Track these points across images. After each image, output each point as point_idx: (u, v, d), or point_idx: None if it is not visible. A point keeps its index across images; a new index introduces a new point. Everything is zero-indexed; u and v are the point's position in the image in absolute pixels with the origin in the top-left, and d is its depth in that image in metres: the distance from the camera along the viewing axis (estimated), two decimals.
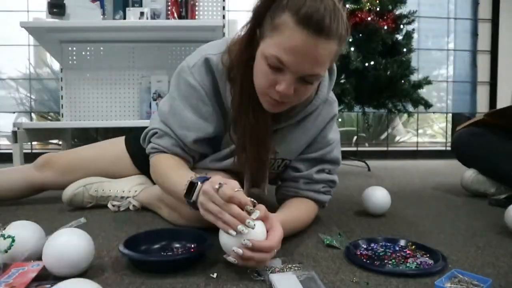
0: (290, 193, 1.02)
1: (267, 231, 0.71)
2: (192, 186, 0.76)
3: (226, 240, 0.69)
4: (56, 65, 2.81)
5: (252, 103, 0.85)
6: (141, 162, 1.21)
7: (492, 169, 1.44)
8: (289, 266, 0.73)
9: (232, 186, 0.69)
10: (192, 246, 0.82)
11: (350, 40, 1.94)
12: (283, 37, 0.73)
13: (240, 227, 0.66)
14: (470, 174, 1.48)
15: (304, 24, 0.71)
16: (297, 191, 1.01)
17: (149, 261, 0.74)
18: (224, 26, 2.03)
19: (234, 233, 0.67)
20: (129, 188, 1.22)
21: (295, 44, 0.72)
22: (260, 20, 0.79)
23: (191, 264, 0.74)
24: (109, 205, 1.20)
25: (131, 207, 1.20)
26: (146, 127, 1.02)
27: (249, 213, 0.69)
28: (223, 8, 2.26)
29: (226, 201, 0.68)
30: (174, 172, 0.89)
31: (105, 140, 1.35)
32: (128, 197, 1.21)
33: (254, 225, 0.67)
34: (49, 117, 3.09)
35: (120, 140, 1.29)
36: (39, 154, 1.31)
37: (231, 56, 0.87)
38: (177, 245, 0.83)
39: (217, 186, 0.69)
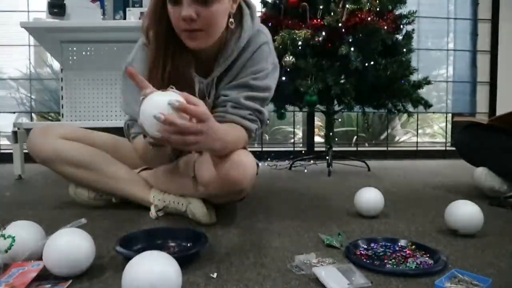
0: (217, 118, 0.99)
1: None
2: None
3: (147, 107, 0.71)
4: (56, 65, 2.82)
5: (172, 49, 0.97)
6: None
7: (503, 168, 1.43)
8: (324, 259, 0.74)
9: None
10: (188, 245, 0.82)
11: (350, 40, 1.94)
12: None
13: (143, 91, 0.76)
14: (481, 171, 1.46)
15: None
16: (224, 115, 1.01)
17: None
18: None
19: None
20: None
21: None
22: None
23: (186, 263, 0.74)
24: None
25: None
26: None
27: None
28: None
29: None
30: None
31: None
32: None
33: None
34: (50, 117, 3.09)
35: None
36: None
37: (146, 19, 0.98)
38: (173, 244, 0.83)
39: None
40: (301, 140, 3.44)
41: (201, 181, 1.02)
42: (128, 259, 0.72)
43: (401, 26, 2.17)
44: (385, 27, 1.97)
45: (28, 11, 2.77)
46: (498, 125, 1.48)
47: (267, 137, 3.47)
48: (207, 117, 0.76)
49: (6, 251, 0.69)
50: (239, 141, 0.99)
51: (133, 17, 2.06)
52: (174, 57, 0.98)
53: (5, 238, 0.70)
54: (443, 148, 3.31)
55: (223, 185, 0.96)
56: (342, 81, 2.00)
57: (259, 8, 2.49)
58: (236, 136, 0.98)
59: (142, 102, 0.73)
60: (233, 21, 0.98)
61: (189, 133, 0.74)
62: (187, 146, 0.77)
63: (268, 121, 1.09)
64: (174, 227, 0.99)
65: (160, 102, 0.70)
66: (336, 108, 2.29)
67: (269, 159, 2.72)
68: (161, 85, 0.84)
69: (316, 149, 3.06)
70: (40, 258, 0.68)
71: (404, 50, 2.12)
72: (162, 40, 0.96)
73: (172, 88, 0.75)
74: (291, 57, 1.95)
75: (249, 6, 1.04)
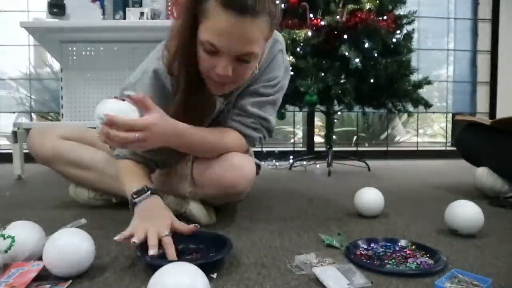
0: (220, 124, 1.03)
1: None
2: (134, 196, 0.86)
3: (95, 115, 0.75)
4: (56, 65, 2.82)
5: (197, 86, 0.90)
6: None
7: (504, 168, 1.42)
8: (324, 259, 0.74)
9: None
10: (211, 250, 0.79)
11: (350, 40, 1.94)
12: (211, 22, 0.77)
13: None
14: (482, 171, 1.46)
15: (228, 6, 0.74)
16: (226, 121, 1.01)
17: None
18: None
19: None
20: None
21: (222, 27, 0.76)
22: (193, 9, 0.81)
23: (212, 269, 0.71)
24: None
25: None
26: None
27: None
28: None
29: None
30: (129, 174, 0.95)
31: None
32: None
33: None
34: (49, 117, 3.09)
35: None
36: None
37: (171, 50, 0.89)
38: (195, 249, 0.80)
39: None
40: (301, 140, 3.44)
41: (197, 182, 1.01)
42: (148, 264, 0.72)
43: (401, 26, 2.17)
44: (385, 27, 1.97)
45: (28, 11, 2.77)
46: (500, 127, 1.47)
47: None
48: (143, 126, 0.76)
49: (6, 251, 0.69)
50: (226, 146, 0.98)
51: (133, 17, 2.06)
52: (198, 96, 0.93)
53: (5, 238, 0.70)
54: (443, 148, 3.31)
55: (219, 187, 0.97)
56: (342, 81, 2.00)
57: None
58: (223, 141, 0.98)
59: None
60: (258, 66, 0.94)
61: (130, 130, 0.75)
62: (131, 144, 0.77)
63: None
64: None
65: (97, 111, 0.75)
66: (336, 108, 2.29)
67: (269, 159, 2.72)
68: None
69: (316, 149, 3.06)
70: (40, 258, 0.68)
71: (404, 50, 2.12)
72: (193, 85, 0.90)
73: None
74: (291, 57, 1.95)
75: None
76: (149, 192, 0.86)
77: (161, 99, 0.93)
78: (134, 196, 0.86)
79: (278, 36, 1.03)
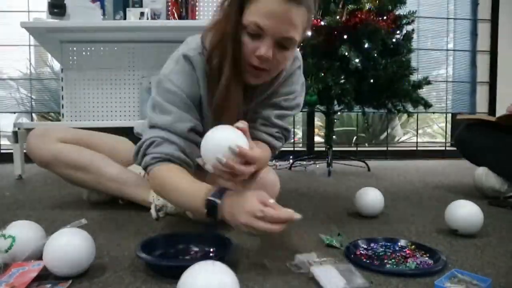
0: None
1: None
2: (211, 205, 0.77)
3: (210, 146, 0.75)
4: (56, 65, 2.82)
5: (238, 75, 0.90)
6: None
7: (505, 167, 1.42)
8: (324, 259, 0.74)
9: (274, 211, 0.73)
10: (211, 250, 0.80)
11: (350, 40, 1.94)
12: (260, 4, 0.82)
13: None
14: (482, 170, 1.46)
15: None
16: (253, 131, 1.01)
17: (171, 266, 0.71)
18: None
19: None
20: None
21: (270, 9, 0.81)
22: None
23: None
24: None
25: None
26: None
27: None
28: None
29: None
30: (184, 181, 0.87)
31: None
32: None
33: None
34: (50, 117, 3.09)
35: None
36: None
37: (211, 38, 0.91)
38: (195, 249, 0.80)
39: (261, 208, 0.72)
40: (301, 140, 3.44)
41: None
42: (149, 264, 0.72)
43: (401, 26, 2.17)
44: (385, 27, 1.97)
45: (28, 11, 2.77)
46: (505, 123, 1.47)
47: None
48: (257, 160, 0.79)
49: (6, 251, 0.69)
50: (266, 161, 1.01)
51: (133, 17, 2.06)
52: (238, 87, 0.93)
53: (5, 238, 0.70)
54: (443, 148, 3.31)
55: None
56: (342, 81, 2.00)
57: None
58: (265, 157, 1.00)
59: (208, 133, 0.78)
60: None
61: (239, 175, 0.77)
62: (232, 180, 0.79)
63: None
64: (196, 231, 0.96)
65: (222, 142, 0.75)
66: (336, 108, 2.29)
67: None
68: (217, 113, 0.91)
69: (316, 149, 3.06)
70: (40, 258, 0.68)
71: (404, 50, 2.12)
72: (236, 71, 0.90)
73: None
74: None
75: None
76: (217, 193, 0.78)
77: (194, 87, 0.95)
78: (212, 201, 0.77)
79: (298, 54, 1.08)
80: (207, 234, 0.87)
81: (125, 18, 2.10)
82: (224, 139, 0.75)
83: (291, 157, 2.55)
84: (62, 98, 2.33)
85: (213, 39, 0.90)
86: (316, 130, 3.25)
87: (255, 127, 1.03)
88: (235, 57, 0.88)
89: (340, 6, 2.00)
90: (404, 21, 2.16)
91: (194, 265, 0.55)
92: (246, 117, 1.03)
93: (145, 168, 0.93)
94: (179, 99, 0.93)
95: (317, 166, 2.44)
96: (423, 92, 2.20)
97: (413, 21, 2.17)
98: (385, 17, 2.03)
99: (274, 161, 2.65)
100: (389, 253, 0.80)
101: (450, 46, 3.28)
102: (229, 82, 0.89)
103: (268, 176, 1.02)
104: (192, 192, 0.82)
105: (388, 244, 0.86)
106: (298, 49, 1.09)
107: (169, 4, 2.14)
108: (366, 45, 1.96)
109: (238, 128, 0.78)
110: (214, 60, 0.90)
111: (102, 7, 2.11)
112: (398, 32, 2.16)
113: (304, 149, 3.10)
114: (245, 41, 0.85)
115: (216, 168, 0.76)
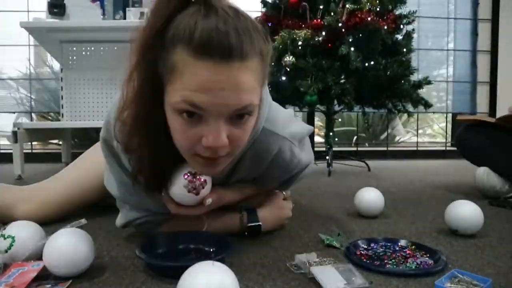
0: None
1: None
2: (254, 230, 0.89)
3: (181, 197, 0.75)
4: (56, 65, 2.82)
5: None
6: None
7: (505, 167, 1.42)
8: (324, 259, 0.74)
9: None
10: (211, 250, 0.79)
11: (350, 40, 1.94)
12: (185, 78, 0.57)
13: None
14: (483, 171, 1.46)
15: (204, 52, 0.55)
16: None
17: (171, 266, 0.71)
18: None
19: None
20: None
21: (203, 81, 0.56)
22: (150, 68, 0.61)
23: None
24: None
25: None
26: None
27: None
28: None
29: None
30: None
31: (83, 158, 1.12)
32: None
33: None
34: (49, 117, 3.09)
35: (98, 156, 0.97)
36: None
37: (125, 121, 0.67)
38: (195, 249, 0.80)
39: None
40: None
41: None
42: (148, 264, 0.72)
43: (401, 26, 2.17)
44: (385, 27, 1.97)
45: (28, 11, 2.77)
46: (505, 124, 1.47)
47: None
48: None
49: (6, 251, 0.69)
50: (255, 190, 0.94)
51: (133, 17, 2.06)
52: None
53: (5, 238, 0.70)
54: (443, 148, 3.31)
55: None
56: (342, 81, 2.00)
57: (259, 8, 2.49)
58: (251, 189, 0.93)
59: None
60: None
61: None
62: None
63: None
64: (196, 231, 0.96)
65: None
66: (336, 108, 2.29)
67: None
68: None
69: (316, 149, 3.06)
70: (40, 258, 0.68)
71: (404, 50, 2.13)
72: (162, 168, 0.70)
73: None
74: (291, 57, 1.95)
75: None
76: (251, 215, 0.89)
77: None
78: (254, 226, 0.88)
79: (276, 126, 0.79)
80: (207, 234, 0.86)
81: (125, 18, 2.10)
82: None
83: None
84: (62, 98, 2.33)
85: (126, 124, 0.66)
86: (316, 130, 3.25)
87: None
88: (158, 152, 0.67)
89: (340, 6, 2.00)
90: (405, 21, 2.16)
91: (194, 265, 0.55)
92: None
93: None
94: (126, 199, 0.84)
95: (317, 166, 2.44)
96: (423, 92, 2.20)
97: (413, 21, 2.17)
98: (385, 17, 2.03)
99: None
100: (389, 253, 0.80)
101: (451, 46, 3.28)
102: (155, 187, 0.73)
103: (280, 200, 0.98)
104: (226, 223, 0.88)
105: (388, 244, 0.85)
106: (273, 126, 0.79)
107: None
108: (366, 45, 1.96)
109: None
110: (134, 152, 0.69)
111: (102, 7, 2.11)
112: (398, 32, 2.16)
113: None
114: (180, 128, 0.61)
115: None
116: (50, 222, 1.00)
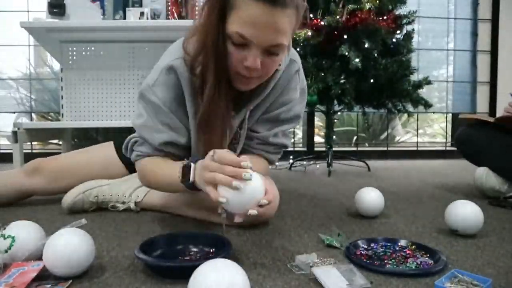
0: (236, 149, 1.04)
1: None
2: (186, 169, 0.80)
3: (235, 204, 0.71)
4: (56, 65, 2.82)
5: (224, 85, 0.87)
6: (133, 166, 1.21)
7: (506, 167, 1.42)
8: (324, 259, 0.74)
9: (224, 152, 0.74)
10: (211, 250, 0.79)
11: (350, 40, 1.94)
12: (240, 13, 0.77)
13: (236, 182, 0.69)
14: (482, 171, 1.46)
15: None
16: (248, 148, 1.04)
17: (170, 266, 0.71)
18: None
19: (235, 186, 0.69)
20: (131, 192, 1.19)
21: (252, 17, 0.75)
22: (221, 2, 0.80)
23: None
24: (110, 208, 1.20)
25: (133, 209, 1.19)
26: None
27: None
28: None
29: (221, 164, 0.71)
30: (163, 166, 0.93)
31: (95, 145, 1.34)
32: (129, 202, 1.18)
33: (251, 175, 0.70)
34: (49, 117, 3.09)
35: (110, 145, 1.28)
36: (39, 154, 1.31)
37: (193, 45, 0.87)
38: (195, 249, 0.80)
39: (211, 154, 0.74)
40: (301, 140, 3.44)
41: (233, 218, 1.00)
42: (148, 265, 0.72)
43: (401, 26, 2.17)
44: (385, 27, 1.97)
45: (28, 11, 2.77)
46: (504, 124, 1.47)
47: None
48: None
49: (6, 251, 0.69)
50: (265, 174, 1.01)
51: (133, 17, 2.06)
52: (226, 96, 0.89)
53: (5, 238, 0.70)
54: (443, 148, 3.31)
55: (255, 220, 0.98)
56: (342, 81, 2.00)
57: None
58: (263, 171, 1.01)
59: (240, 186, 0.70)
60: (281, 63, 0.94)
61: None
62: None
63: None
64: (195, 231, 0.96)
65: (252, 198, 0.72)
66: (336, 108, 2.30)
67: None
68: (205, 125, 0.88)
69: (316, 149, 3.06)
70: (40, 258, 0.68)
71: (404, 50, 2.13)
72: (221, 81, 0.86)
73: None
74: None
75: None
76: (191, 163, 0.81)
77: (178, 99, 0.93)
78: (186, 184, 0.81)
79: (296, 56, 1.02)
80: (207, 234, 0.87)
81: (125, 18, 2.09)
82: (252, 194, 0.71)
83: (291, 157, 2.55)
84: (62, 98, 2.33)
85: (195, 48, 0.86)
86: (316, 130, 3.25)
87: (251, 145, 1.04)
88: (218, 67, 0.84)
89: (340, 6, 2.00)
90: (405, 21, 2.16)
91: (205, 263, 0.56)
92: (241, 133, 1.04)
93: (134, 162, 1.01)
94: (159, 112, 0.93)
95: (317, 166, 2.44)
96: (424, 92, 2.20)
97: (413, 21, 2.17)
98: (385, 17, 2.03)
99: None
100: (389, 253, 0.80)
101: (451, 46, 3.28)
102: (213, 93, 0.86)
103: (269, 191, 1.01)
104: (169, 168, 0.88)
105: (388, 244, 0.85)
106: (295, 52, 1.04)
107: (169, 4, 2.13)
108: (366, 45, 1.96)
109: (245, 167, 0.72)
110: (196, 70, 0.88)
111: (102, 7, 2.11)
112: (398, 32, 2.16)
113: (304, 149, 3.10)
114: (231, 50, 0.81)
115: (243, 217, 0.74)
116: (59, 192, 1.21)
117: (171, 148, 0.97)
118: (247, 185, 0.70)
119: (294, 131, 3.30)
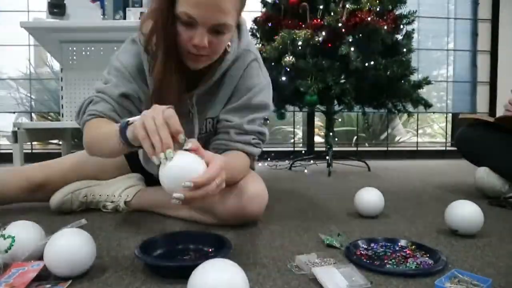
0: (221, 146, 1.04)
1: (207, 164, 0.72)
2: (128, 123, 0.79)
3: (166, 183, 0.70)
4: (56, 65, 2.82)
5: (175, 63, 0.93)
6: (133, 160, 1.23)
7: (506, 167, 1.42)
8: (324, 259, 0.74)
9: (174, 116, 0.71)
10: (211, 250, 0.79)
11: (350, 40, 1.94)
12: None
13: (162, 155, 0.68)
14: (483, 171, 1.46)
15: None
16: (228, 143, 1.03)
17: (170, 266, 0.71)
18: None
19: (156, 160, 0.69)
20: (120, 192, 1.18)
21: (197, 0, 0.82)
22: None
23: None
24: (102, 208, 1.19)
25: (120, 209, 1.17)
26: None
27: (181, 144, 0.71)
28: None
29: (165, 122, 0.70)
30: (108, 125, 0.93)
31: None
32: (118, 201, 1.17)
33: (172, 158, 0.68)
34: (49, 117, 3.09)
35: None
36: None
37: (145, 29, 0.95)
38: (194, 249, 0.80)
39: (165, 107, 0.73)
40: (301, 140, 3.44)
41: (219, 215, 1.00)
42: (148, 265, 0.72)
43: (401, 26, 2.17)
44: (385, 27, 1.97)
45: (28, 11, 2.77)
46: (504, 124, 1.47)
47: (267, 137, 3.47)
48: (219, 172, 0.72)
49: (6, 251, 0.69)
50: (245, 169, 1.03)
51: (133, 17, 2.06)
52: (176, 75, 0.95)
53: (5, 238, 0.70)
54: (443, 148, 3.31)
55: (242, 218, 0.99)
56: (342, 81, 2.00)
57: (259, 8, 2.49)
58: (242, 165, 1.02)
59: (165, 161, 0.68)
60: (230, 44, 0.99)
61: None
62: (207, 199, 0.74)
63: (267, 136, 1.11)
64: (195, 231, 0.96)
65: (176, 180, 0.69)
66: (336, 108, 2.30)
67: (269, 159, 2.72)
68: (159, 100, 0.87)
69: (316, 149, 3.06)
70: (40, 258, 0.68)
71: (404, 50, 2.13)
72: (170, 59, 0.93)
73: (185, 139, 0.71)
74: (291, 57, 1.95)
75: (239, 27, 1.03)
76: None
77: (139, 67, 1.01)
78: (124, 121, 0.80)
79: (252, 47, 1.07)
80: (207, 234, 0.86)
81: (125, 18, 2.09)
82: (176, 176, 0.68)
83: (291, 157, 2.55)
84: (62, 98, 2.33)
85: (149, 29, 0.94)
86: (316, 130, 3.25)
87: (230, 138, 1.03)
88: (168, 45, 0.91)
89: (340, 6, 2.00)
90: (405, 21, 2.16)
91: (205, 263, 0.56)
92: (218, 126, 1.06)
93: (82, 126, 1.00)
94: (120, 74, 1.01)
95: (317, 166, 2.44)
96: (423, 92, 2.20)
97: (413, 21, 2.17)
98: (385, 17, 2.03)
99: (274, 161, 2.65)
100: (389, 253, 0.80)
101: (451, 46, 3.28)
102: (163, 68, 0.92)
103: (254, 187, 1.00)
104: (113, 125, 0.88)
105: (388, 244, 0.85)
106: (254, 45, 1.09)
107: None
108: (366, 45, 1.96)
109: (188, 150, 0.71)
110: (149, 48, 0.95)
111: (102, 7, 2.11)
112: (398, 32, 2.16)
113: (304, 149, 3.10)
114: (180, 30, 0.87)
115: (181, 191, 0.69)
116: (56, 188, 1.16)
117: (129, 103, 1.00)
118: (168, 163, 0.68)
119: (294, 131, 3.30)
